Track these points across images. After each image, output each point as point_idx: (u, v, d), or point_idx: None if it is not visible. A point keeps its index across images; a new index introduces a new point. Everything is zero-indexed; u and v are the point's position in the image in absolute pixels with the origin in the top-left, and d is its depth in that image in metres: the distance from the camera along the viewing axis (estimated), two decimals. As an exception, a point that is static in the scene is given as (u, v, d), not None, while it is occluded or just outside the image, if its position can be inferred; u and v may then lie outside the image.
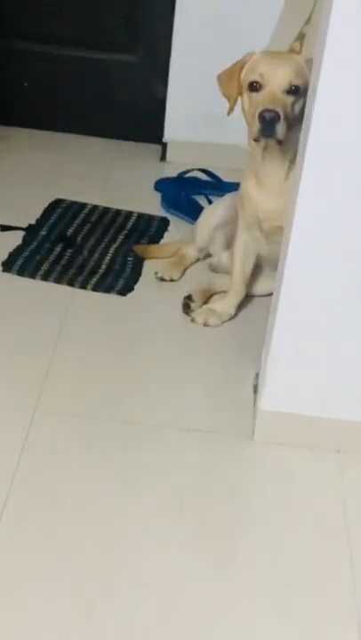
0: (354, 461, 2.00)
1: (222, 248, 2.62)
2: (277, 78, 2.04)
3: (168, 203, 3.02)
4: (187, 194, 3.05)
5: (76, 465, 1.94)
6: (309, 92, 1.77)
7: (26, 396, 2.09)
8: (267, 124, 2.02)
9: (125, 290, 2.55)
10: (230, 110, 2.19)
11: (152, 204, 3.04)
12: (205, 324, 2.42)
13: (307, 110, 1.77)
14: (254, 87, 2.08)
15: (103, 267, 2.64)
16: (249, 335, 2.40)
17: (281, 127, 2.02)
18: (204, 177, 3.19)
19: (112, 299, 2.52)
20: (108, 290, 2.54)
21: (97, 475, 1.92)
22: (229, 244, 2.60)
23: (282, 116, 2.01)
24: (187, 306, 2.45)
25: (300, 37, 2.45)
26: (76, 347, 2.29)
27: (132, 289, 2.56)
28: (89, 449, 1.98)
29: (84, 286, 2.53)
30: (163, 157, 3.37)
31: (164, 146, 3.35)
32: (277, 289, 1.91)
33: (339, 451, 2.00)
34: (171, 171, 3.25)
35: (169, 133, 3.34)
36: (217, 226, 2.58)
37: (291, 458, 2.00)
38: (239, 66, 2.15)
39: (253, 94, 2.08)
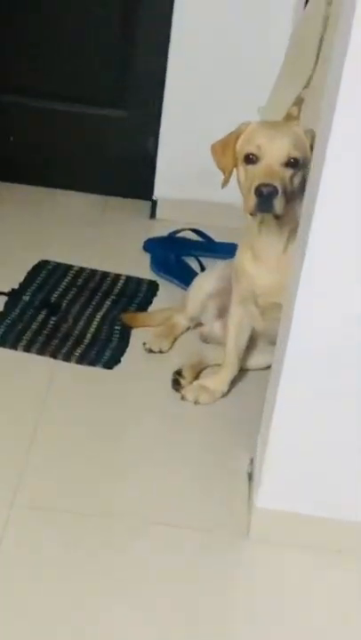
0: (356, 562, 1.86)
1: (214, 318, 2.50)
2: (275, 151, 1.93)
3: (157, 265, 2.90)
4: (177, 255, 2.93)
5: (56, 564, 1.78)
6: (314, 165, 1.66)
7: (2, 488, 1.93)
8: (264, 199, 1.91)
9: (112, 362, 2.41)
10: (225, 182, 2.08)
11: (141, 266, 2.92)
12: (196, 402, 2.28)
13: (311, 187, 1.66)
14: (250, 159, 1.97)
15: (89, 336, 2.50)
16: (242, 413, 2.26)
17: (279, 202, 1.91)
18: (195, 237, 3.08)
19: (97, 372, 2.38)
20: (93, 362, 2.40)
21: (78, 576, 1.76)
22: (222, 314, 2.47)
23: (280, 191, 1.90)
24: (176, 382, 2.31)
25: (298, 102, 2.35)
26: (57, 430, 2.14)
27: (119, 361, 2.42)
28: (70, 547, 1.83)
29: (67, 359, 2.39)
30: (152, 215, 3.25)
31: (154, 203, 3.24)
32: (275, 381, 1.77)
33: (340, 551, 1.86)
34: (160, 229, 3.13)
35: (159, 190, 3.22)
36: (209, 295, 2.46)
37: (290, 559, 1.85)
38: (234, 136, 2.04)
39: (250, 167, 1.97)
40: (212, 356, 2.42)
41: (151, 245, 3.00)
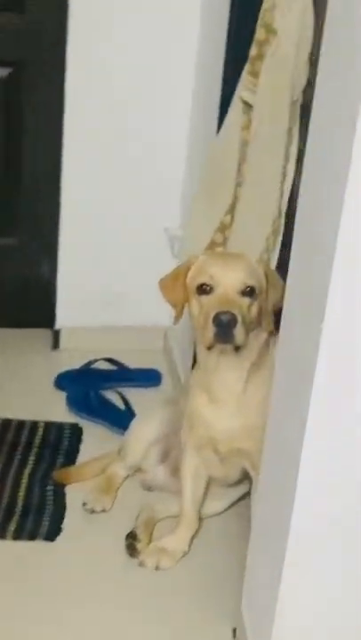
0: None
1: (157, 463, 2.30)
2: (230, 279, 1.81)
3: (75, 404, 2.67)
4: (95, 391, 2.71)
5: None
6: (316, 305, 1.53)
7: None
8: (223, 329, 1.77)
9: (53, 533, 2.15)
10: (177, 318, 1.93)
11: (57, 407, 2.69)
12: (157, 568, 2.06)
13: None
14: (204, 290, 1.83)
15: (20, 503, 2.23)
16: (211, 573, 2.07)
17: (239, 331, 1.77)
18: (109, 366, 2.89)
19: (39, 546, 2.12)
20: (32, 536, 2.14)
21: None
22: (165, 458, 2.29)
23: (239, 319, 1.76)
24: (131, 546, 2.09)
25: (222, 228, 2.23)
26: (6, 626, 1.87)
27: (60, 529, 2.17)
28: None
29: (2, 536, 2.12)
30: (56, 345, 3.03)
31: (57, 333, 3.02)
32: (277, 554, 1.58)
33: None
34: (67, 360, 2.92)
35: (61, 318, 3.02)
36: (151, 443, 2.26)
37: None
38: (184, 269, 1.91)
39: (203, 297, 1.83)
40: (162, 507, 2.22)
41: (64, 381, 2.78)
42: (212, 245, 2.24)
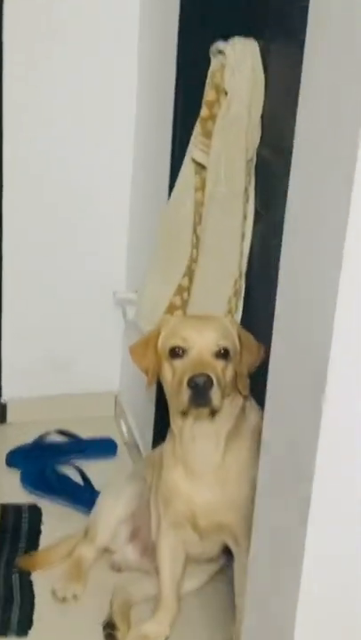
0: None
1: (126, 542, 2.19)
2: (204, 340, 1.74)
3: (31, 482, 2.54)
4: (51, 466, 2.59)
5: None
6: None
7: None
8: (199, 391, 1.69)
9: (24, 627, 2.01)
10: (150, 384, 1.85)
11: (11, 487, 2.55)
12: (140, 658, 1.94)
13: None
14: (177, 353, 1.76)
15: (-15, 597, 2.09)
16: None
17: (215, 394, 1.70)
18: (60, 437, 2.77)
19: (10, 643, 1.98)
20: (2, 632, 1.99)
21: None
22: (134, 536, 2.18)
23: (215, 382, 1.69)
24: (111, 636, 1.96)
25: (180, 291, 2.16)
26: None
27: (32, 622, 2.03)
28: None
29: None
30: (3, 419, 2.90)
31: (3, 407, 2.89)
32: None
33: None
34: (16, 435, 2.79)
35: (7, 390, 2.89)
36: (120, 522, 2.15)
37: None
38: (155, 333, 1.84)
39: (176, 361, 1.76)
40: (136, 589, 2.11)
41: (16, 459, 2.65)
42: (170, 309, 2.17)
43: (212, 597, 2.14)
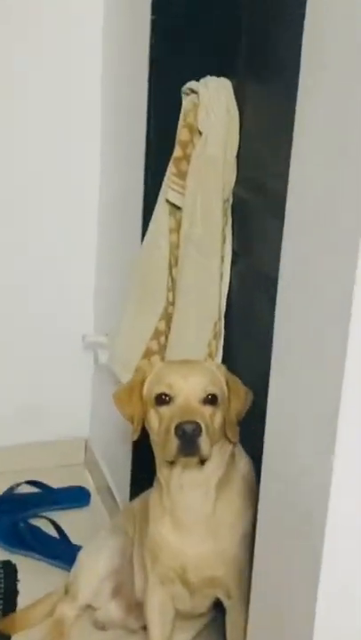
0: None
1: (109, 598, 2.10)
2: (190, 387, 1.68)
3: (4, 538, 2.43)
4: (24, 520, 2.48)
5: None
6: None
7: None
8: (187, 439, 1.62)
9: None
10: (135, 432, 1.77)
11: (-17, 543, 2.44)
12: None
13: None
14: (163, 400, 1.69)
15: None
16: None
17: (204, 441, 1.63)
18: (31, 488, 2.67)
19: None
20: None
21: None
22: (117, 592, 2.09)
23: (203, 429, 1.63)
24: None
25: (157, 335, 2.10)
26: None
27: None
28: None
29: None
30: (-30, 473, 2.78)
31: (-31, 458, 2.78)
32: None
33: None
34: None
35: (-27, 441, 2.79)
36: (103, 578, 2.06)
37: None
38: (139, 380, 1.77)
39: (162, 408, 1.69)
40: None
41: (-13, 514, 2.54)
42: (147, 353, 2.11)
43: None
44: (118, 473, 2.54)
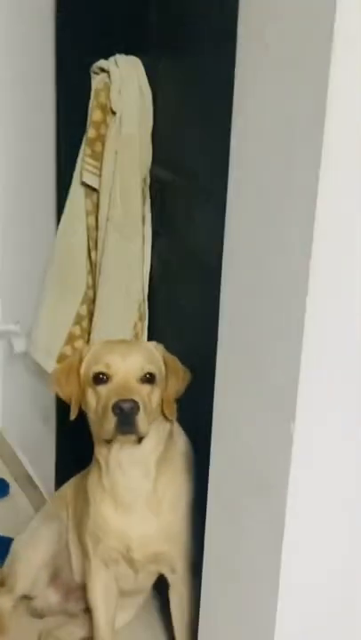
0: None
1: (46, 586, 2.08)
2: (128, 366, 1.69)
3: None
4: None
5: None
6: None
7: None
8: (124, 417, 1.63)
9: None
10: (74, 412, 1.76)
11: None
12: None
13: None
14: (101, 379, 1.69)
15: None
16: None
17: (142, 419, 1.64)
18: None
19: None
20: None
21: None
22: (54, 579, 2.08)
23: (141, 406, 1.64)
24: None
25: (78, 320, 2.08)
26: None
27: None
28: None
29: None
30: None
31: None
32: None
33: None
34: None
35: None
36: (41, 567, 2.04)
37: None
38: (77, 359, 1.76)
39: (100, 387, 1.69)
40: (64, 633, 2.02)
41: None
42: (70, 339, 2.10)
43: (140, 631, 2.08)
44: (39, 462, 2.51)
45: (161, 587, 1.98)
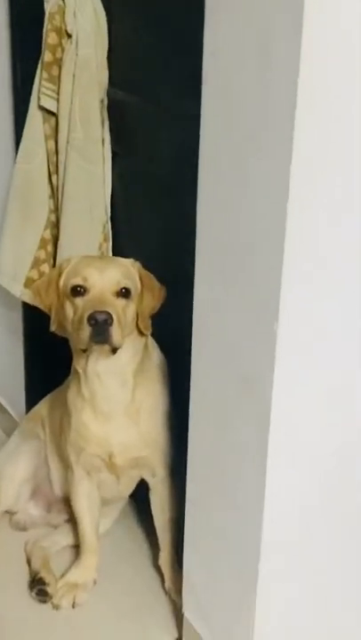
0: None
1: (27, 500, 2.18)
2: (104, 280, 1.76)
3: None
4: None
5: None
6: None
7: None
8: (99, 328, 1.71)
9: None
10: (55, 322, 1.84)
11: None
12: (74, 605, 1.97)
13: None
14: (78, 292, 1.77)
15: None
16: (128, 591, 2.02)
17: (115, 331, 1.72)
18: None
19: None
20: None
21: None
22: (35, 492, 2.17)
23: (115, 319, 1.72)
24: (42, 592, 1.97)
25: (43, 244, 2.13)
26: None
27: None
28: None
29: None
30: None
31: None
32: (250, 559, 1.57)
33: None
34: None
35: None
36: (22, 482, 2.13)
37: None
38: (56, 272, 1.84)
39: (77, 299, 1.77)
40: (49, 542, 2.12)
41: None
42: (36, 263, 2.14)
43: (122, 536, 2.20)
44: (7, 387, 2.57)
45: (137, 495, 2.10)
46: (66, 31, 1.96)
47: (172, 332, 1.81)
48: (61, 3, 1.95)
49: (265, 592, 1.57)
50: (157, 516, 2.00)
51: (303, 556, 1.58)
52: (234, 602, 1.65)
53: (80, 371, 1.86)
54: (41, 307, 1.87)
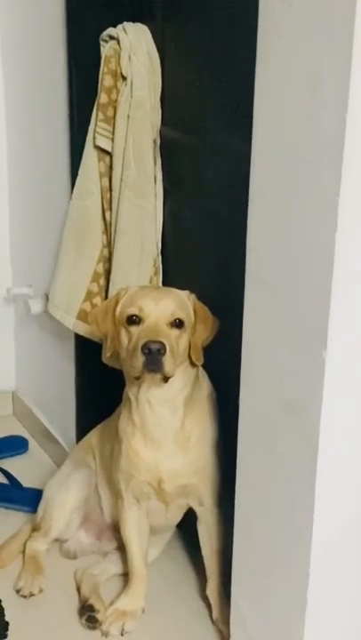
0: None
1: (78, 529, 2.22)
2: (159, 310, 1.82)
3: None
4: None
5: None
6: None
7: None
8: (152, 357, 1.77)
9: (1, 630, 2.00)
10: (109, 350, 1.91)
11: None
12: (123, 633, 1.99)
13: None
14: (133, 321, 1.83)
15: None
16: (175, 618, 2.04)
17: (168, 360, 1.78)
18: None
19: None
20: (-20, 641, 1.97)
21: None
22: (86, 520, 2.21)
23: (167, 348, 1.77)
24: (92, 619, 2.00)
25: (96, 278, 2.20)
26: None
27: (7, 623, 2.02)
28: None
29: None
30: None
31: None
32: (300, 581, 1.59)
33: None
34: None
35: None
36: (74, 510, 2.17)
37: None
38: (114, 301, 1.91)
39: (132, 328, 1.83)
40: (99, 570, 2.15)
41: None
42: (89, 296, 2.22)
43: (169, 565, 2.22)
44: (58, 417, 2.63)
45: (183, 526, 2.13)
46: (121, 74, 2.04)
47: (220, 362, 1.86)
48: (117, 47, 2.04)
49: (314, 622, 1.58)
50: (205, 546, 2.03)
51: (354, 584, 1.60)
52: (282, 632, 1.67)
53: (132, 398, 1.91)
54: (96, 334, 1.94)
